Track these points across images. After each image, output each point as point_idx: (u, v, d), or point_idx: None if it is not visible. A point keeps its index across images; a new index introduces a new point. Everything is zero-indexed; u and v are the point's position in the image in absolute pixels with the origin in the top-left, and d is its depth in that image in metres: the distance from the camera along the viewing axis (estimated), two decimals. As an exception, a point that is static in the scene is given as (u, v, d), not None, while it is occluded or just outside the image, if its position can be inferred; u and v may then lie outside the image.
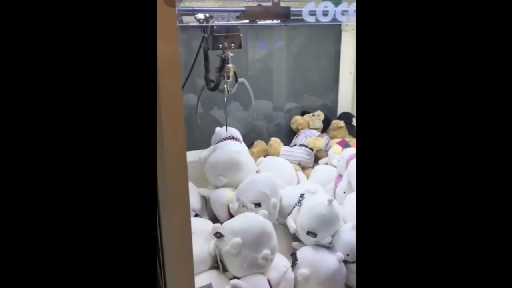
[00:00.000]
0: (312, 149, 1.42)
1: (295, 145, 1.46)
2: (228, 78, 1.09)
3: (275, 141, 1.44)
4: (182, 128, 0.64)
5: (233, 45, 1.03)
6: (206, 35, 1.03)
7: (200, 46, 1.07)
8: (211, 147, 1.17)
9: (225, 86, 1.09)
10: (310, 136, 1.44)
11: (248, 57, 1.54)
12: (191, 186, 1.15)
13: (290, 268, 0.98)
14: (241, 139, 1.21)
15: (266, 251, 0.90)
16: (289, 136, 1.59)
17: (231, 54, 1.07)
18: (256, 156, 1.39)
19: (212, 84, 1.11)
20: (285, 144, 1.49)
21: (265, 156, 1.40)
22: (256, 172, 1.08)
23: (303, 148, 1.42)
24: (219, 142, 1.18)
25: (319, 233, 1.01)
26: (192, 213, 1.08)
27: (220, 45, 1.02)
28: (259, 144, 1.46)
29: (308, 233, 1.02)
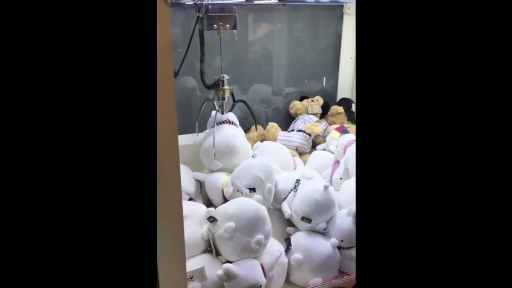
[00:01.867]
0: (310, 135, 1.40)
1: (293, 130, 1.45)
2: (224, 99, 1.11)
3: (272, 126, 1.42)
4: (173, 111, 0.62)
5: (227, 25, 1.00)
6: (201, 15, 1.00)
7: (194, 27, 1.04)
8: (207, 131, 1.15)
9: (218, 108, 1.12)
10: (308, 122, 1.42)
11: (248, 40, 1.51)
12: (186, 170, 1.14)
13: (283, 253, 0.97)
14: (238, 123, 1.19)
15: (260, 236, 0.89)
16: (287, 121, 1.57)
17: (227, 77, 1.10)
18: (253, 141, 1.38)
19: (207, 84, 1.12)
20: (283, 129, 1.48)
21: (262, 141, 1.39)
22: (252, 156, 1.06)
23: (301, 133, 1.40)
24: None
25: (314, 218, 1.00)
26: (186, 197, 1.07)
27: (215, 26, 0.99)
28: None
29: (303, 218, 1.01)
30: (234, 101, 1.16)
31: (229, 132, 1.10)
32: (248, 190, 0.98)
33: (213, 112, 1.22)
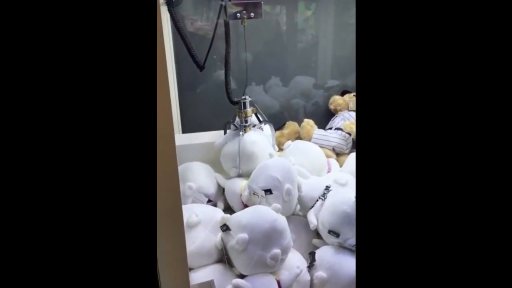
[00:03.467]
0: (349, 134, 1.26)
1: (330, 128, 1.32)
2: (246, 122, 1.03)
3: (307, 123, 1.31)
4: (170, 109, 0.56)
5: (252, 14, 0.90)
6: (223, 3, 0.91)
7: (218, 16, 0.95)
8: (228, 134, 1.07)
9: (241, 133, 1.03)
10: (348, 119, 1.28)
11: (292, 27, 1.41)
12: (208, 169, 1.08)
13: (306, 269, 0.87)
14: (262, 126, 1.10)
15: (276, 251, 0.80)
16: (327, 117, 1.45)
17: (249, 99, 1.03)
18: (286, 139, 1.28)
19: (233, 100, 1.05)
20: (322, 127, 1.35)
21: (296, 139, 1.28)
22: (269, 155, 0.96)
23: (339, 132, 1.27)
24: (236, 129, 1.07)
25: (342, 233, 0.88)
26: (205, 199, 1.01)
27: (238, 15, 0.90)
28: (291, 126, 1.33)
29: (330, 232, 0.89)
30: (260, 122, 1.07)
31: (249, 139, 1.01)
32: (263, 192, 0.89)
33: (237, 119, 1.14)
